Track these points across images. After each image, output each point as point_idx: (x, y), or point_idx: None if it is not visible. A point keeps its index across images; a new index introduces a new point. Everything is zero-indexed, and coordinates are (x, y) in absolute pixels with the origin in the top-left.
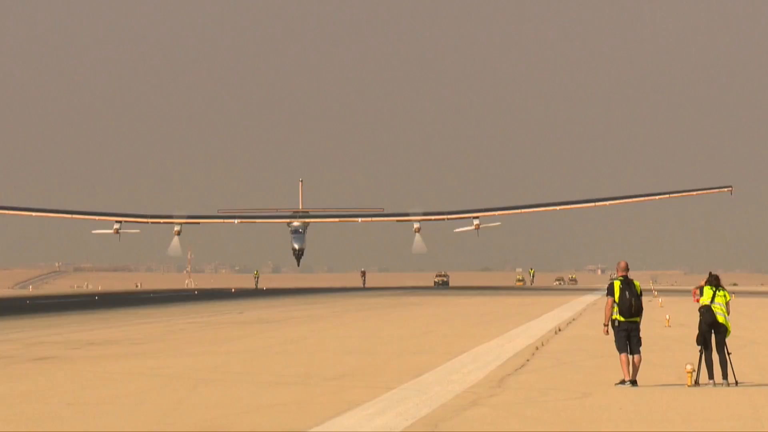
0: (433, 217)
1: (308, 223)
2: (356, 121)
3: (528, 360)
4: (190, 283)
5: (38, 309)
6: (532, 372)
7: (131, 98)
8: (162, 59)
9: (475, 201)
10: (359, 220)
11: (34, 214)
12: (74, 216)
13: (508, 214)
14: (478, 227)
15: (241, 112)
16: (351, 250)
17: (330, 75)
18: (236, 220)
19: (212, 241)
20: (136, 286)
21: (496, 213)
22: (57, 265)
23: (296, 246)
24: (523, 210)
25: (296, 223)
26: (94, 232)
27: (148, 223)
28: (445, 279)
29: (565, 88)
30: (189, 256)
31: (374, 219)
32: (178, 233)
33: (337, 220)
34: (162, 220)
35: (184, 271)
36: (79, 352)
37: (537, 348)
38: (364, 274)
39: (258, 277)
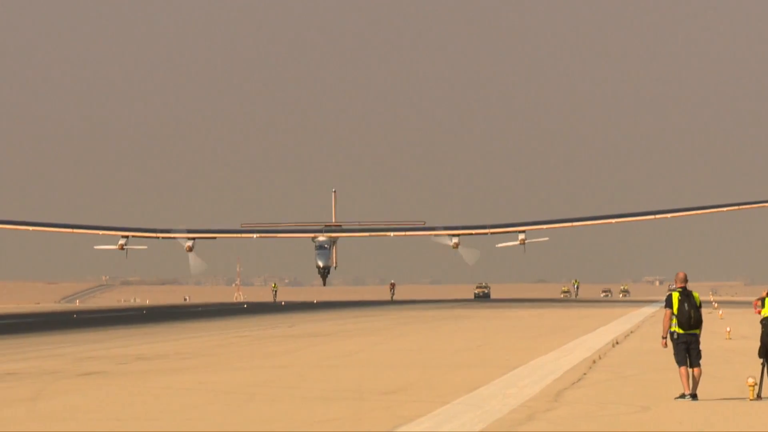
0: (473, 231)
1: (336, 238)
2: (395, 130)
3: (585, 374)
4: (239, 296)
5: (85, 323)
6: (590, 386)
7: (147, 105)
8: (185, 62)
9: (520, 214)
10: (391, 234)
11: (31, 228)
12: (75, 231)
13: (558, 227)
14: (523, 242)
15: (271, 118)
16: (402, 262)
17: (368, 80)
18: (255, 235)
19: (262, 253)
20: (185, 299)
21: (544, 227)
22: (104, 278)
23: (320, 263)
24: (575, 223)
25: (321, 238)
26: (96, 248)
27: (158, 238)
28: (486, 291)
29: (620, 97)
30: (238, 269)
31: (408, 233)
32: (190, 249)
33: (367, 234)
34: (172, 235)
35: (234, 285)
36: (127, 367)
37: (594, 361)
38: (393, 286)
39: (276, 291)
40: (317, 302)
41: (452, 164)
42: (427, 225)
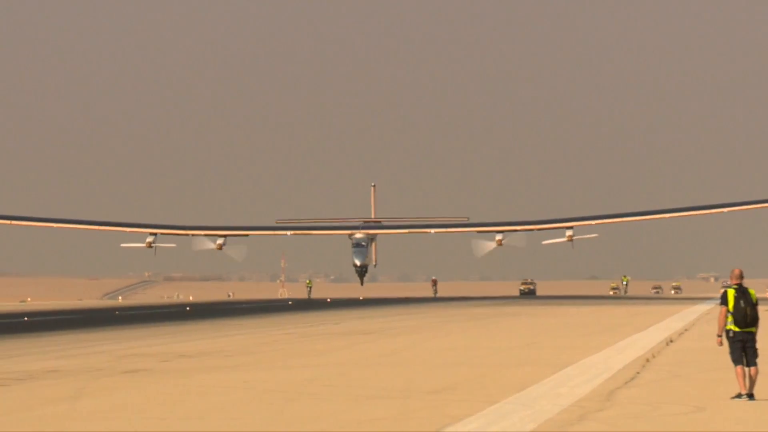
0: (519, 228)
1: (374, 235)
2: (437, 123)
3: (638, 373)
4: (284, 292)
5: (128, 320)
6: (643, 385)
7: (180, 101)
8: (220, 57)
9: (567, 210)
10: (432, 231)
11: (56, 225)
12: (102, 228)
13: (609, 223)
14: (571, 239)
15: (308, 111)
16: (449, 258)
17: (408, 72)
18: (289, 232)
19: (307, 250)
20: (229, 296)
21: (593, 222)
22: (147, 274)
23: (357, 262)
24: (626, 218)
25: (358, 235)
26: (123, 245)
27: (188, 235)
28: (531, 287)
29: (670, 88)
30: (282, 265)
31: (450, 230)
32: (221, 247)
33: (406, 231)
34: (203, 232)
35: (278, 281)
36: (170, 365)
37: (647, 360)
38: (435, 282)
39: (311, 287)
40: (363, 299)
41: (498, 158)
42: (470, 221)
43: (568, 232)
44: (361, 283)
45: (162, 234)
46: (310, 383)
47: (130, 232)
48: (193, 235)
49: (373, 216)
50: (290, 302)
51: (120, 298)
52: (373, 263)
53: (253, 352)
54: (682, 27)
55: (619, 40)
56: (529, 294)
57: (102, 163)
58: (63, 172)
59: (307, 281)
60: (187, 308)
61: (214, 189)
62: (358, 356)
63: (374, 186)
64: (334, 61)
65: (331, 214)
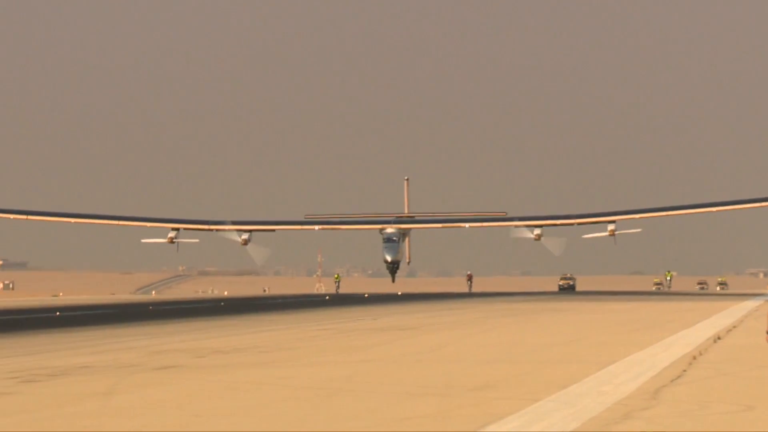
0: (558, 222)
1: (406, 230)
2: (475, 115)
3: (685, 370)
4: (320, 287)
5: (161, 315)
6: (690, 383)
7: (208, 93)
8: (249, 49)
9: (609, 203)
10: (467, 225)
11: (73, 220)
12: (121, 222)
13: (653, 216)
14: (613, 233)
15: (340, 103)
16: (488, 254)
17: (442, 62)
18: (317, 227)
19: (344, 244)
20: (264, 290)
21: (636, 216)
22: (180, 269)
23: (388, 258)
24: (671, 212)
25: (389, 230)
26: (143, 241)
27: (212, 230)
28: (571, 283)
29: (712, 77)
30: (319, 260)
31: (486, 224)
32: (246, 242)
33: (439, 225)
34: (227, 227)
35: (315, 275)
36: (205, 361)
37: (694, 357)
38: (470, 277)
39: (339, 281)
40: (401, 294)
41: (537, 150)
42: (508, 215)
43: (610, 227)
44: (393, 280)
45: (185, 229)
46: (347, 380)
47: (150, 226)
48: (217, 230)
49: (406, 211)
50: (327, 297)
51: (153, 292)
52: (406, 260)
53: (290, 348)
54: (718, 15)
55: (664, 30)
56: (568, 290)
57: (133, 158)
58: (97, 167)
59: (335, 276)
60: (222, 303)
61: (243, 184)
62: (396, 352)
63: (407, 180)
64: (366, 53)
65: (365, 209)
